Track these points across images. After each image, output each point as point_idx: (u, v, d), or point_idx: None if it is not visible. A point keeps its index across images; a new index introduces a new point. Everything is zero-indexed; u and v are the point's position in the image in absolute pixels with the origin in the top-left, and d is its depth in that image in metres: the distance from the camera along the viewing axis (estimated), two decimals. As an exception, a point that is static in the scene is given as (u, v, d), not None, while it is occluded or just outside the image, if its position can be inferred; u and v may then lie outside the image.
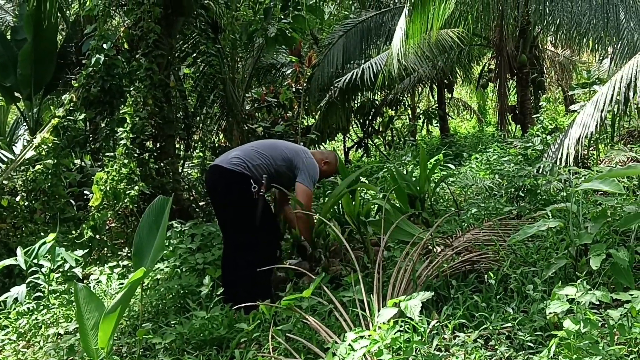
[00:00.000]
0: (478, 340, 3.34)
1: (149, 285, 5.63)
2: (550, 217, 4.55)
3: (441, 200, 7.76)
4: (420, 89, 19.62)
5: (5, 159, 8.20)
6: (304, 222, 5.39)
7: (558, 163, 6.84)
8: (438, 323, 3.55)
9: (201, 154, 9.26)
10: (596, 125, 5.67)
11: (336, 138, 17.84)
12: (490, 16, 13.34)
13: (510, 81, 15.14)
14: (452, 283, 4.21)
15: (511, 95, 16.90)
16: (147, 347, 4.47)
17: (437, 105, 19.64)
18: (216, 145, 9.51)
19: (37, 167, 7.36)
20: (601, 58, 15.05)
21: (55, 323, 5.23)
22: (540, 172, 6.84)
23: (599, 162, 8.75)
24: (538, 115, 10.70)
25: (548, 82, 19.62)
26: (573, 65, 19.40)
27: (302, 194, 5.28)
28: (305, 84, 12.77)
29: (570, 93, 15.60)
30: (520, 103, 14.04)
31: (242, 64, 12.64)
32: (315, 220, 5.48)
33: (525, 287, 3.85)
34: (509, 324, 3.49)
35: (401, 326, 3.17)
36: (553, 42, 16.33)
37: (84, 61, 8.01)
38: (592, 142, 8.77)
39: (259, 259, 5.12)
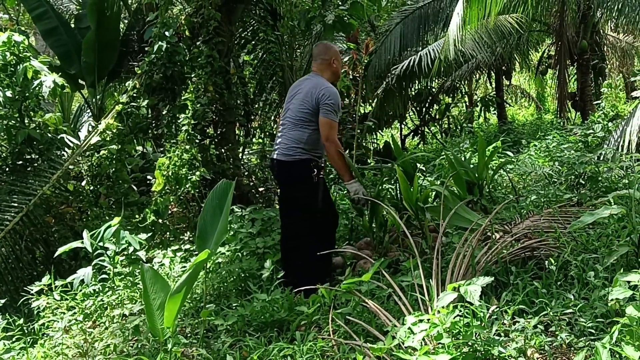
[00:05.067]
0: (538, 326, 3.33)
1: (211, 268, 5.74)
2: (612, 204, 4.49)
3: (499, 188, 7.69)
4: (477, 75, 19.41)
5: (71, 145, 8.42)
6: (335, 155, 5.32)
7: (620, 150, 6.76)
8: (497, 308, 3.56)
9: (260, 140, 9.37)
10: (661, 112, 5.57)
11: (393, 125, 17.80)
12: (551, 1, 13.11)
13: (571, 67, 14.87)
14: (511, 269, 4.19)
15: (571, 82, 16.58)
16: (210, 329, 4.58)
17: (494, 92, 19.39)
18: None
19: (102, 152, 7.55)
20: (665, 43, 14.68)
21: (120, 304, 5.35)
22: (601, 159, 6.74)
23: (663, 150, 8.56)
24: (599, 102, 10.52)
25: (609, 69, 19.15)
26: (635, 51, 18.86)
27: (324, 127, 5.23)
28: (362, 72, 12.76)
29: (632, 79, 15.26)
30: (581, 90, 13.80)
31: (300, 52, 12.71)
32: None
33: (586, 274, 3.80)
34: (570, 310, 3.48)
35: (460, 311, 3.18)
36: (615, 27, 15.94)
37: (146, 48, 8.14)
38: (656, 129, 8.59)
39: (318, 242, 5.21)
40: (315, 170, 5.29)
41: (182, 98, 7.67)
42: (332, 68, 5.55)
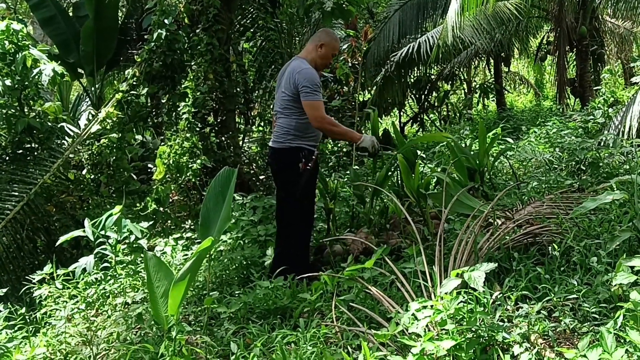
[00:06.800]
0: (541, 311, 3.33)
1: (213, 256, 5.72)
2: (614, 189, 4.50)
3: (500, 174, 7.70)
4: (476, 62, 19.37)
5: (72, 133, 8.40)
6: (331, 129, 5.32)
7: (620, 136, 6.77)
8: (501, 294, 3.57)
9: (260, 128, 9.36)
10: (661, 97, 5.56)
11: (392, 113, 17.79)
12: (550, -13, 13.10)
13: (570, 54, 14.84)
14: (513, 255, 4.19)
15: (570, 68, 16.56)
16: (213, 316, 4.58)
17: (493, 79, 19.36)
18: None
19: (102, 140, 7.52)
20: (663, 29, 14.67)
21: (122, 293, 5.33)
22: (602, 144, 6.75)
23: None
24: (598, 87, 10.51)
25: (608, 55, 19.12)
26: (634, 37, 18.84)
27: (308, 110, 5.14)
28: (361, 59, 12.75)
29: (631, 65, 15.24)
30: (580, 76, 13.78)
31: (299, 39, 12.68)
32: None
33: (589, 259, 3.81)
34: (573, 296, 3.48)
35: (464, 297, 3.19)
36: (613, 13, 15.90)
37: (146, 36, 8.11)
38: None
39: (306, 229, 5.29)
40: (303, 160, 5.26)
41: (182, 86, 7.64)
42: (317, 51, 5.41)
